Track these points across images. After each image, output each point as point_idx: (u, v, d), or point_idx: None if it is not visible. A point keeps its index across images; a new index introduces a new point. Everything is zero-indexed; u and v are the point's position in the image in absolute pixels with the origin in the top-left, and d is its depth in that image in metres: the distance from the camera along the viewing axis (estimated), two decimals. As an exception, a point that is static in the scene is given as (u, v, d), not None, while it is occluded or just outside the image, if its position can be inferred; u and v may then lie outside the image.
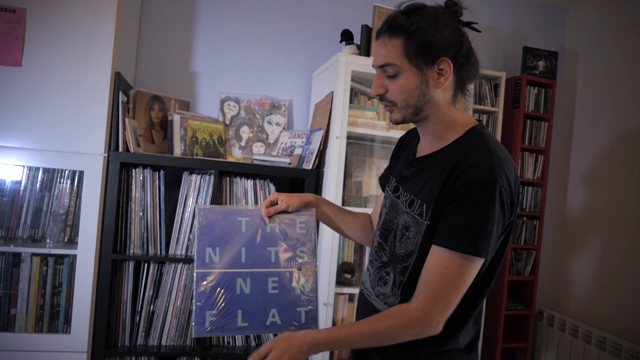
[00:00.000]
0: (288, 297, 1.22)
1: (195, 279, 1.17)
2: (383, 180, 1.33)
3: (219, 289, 1.18)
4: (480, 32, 1.08)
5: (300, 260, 1.25)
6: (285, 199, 1.28)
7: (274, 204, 1.29)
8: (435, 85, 1.02)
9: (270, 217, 1.25)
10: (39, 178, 2.03)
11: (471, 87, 1.12)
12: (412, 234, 1.07)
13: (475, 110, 2.74)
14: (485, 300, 1.15)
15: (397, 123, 1.10)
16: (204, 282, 1.17)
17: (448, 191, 0.99)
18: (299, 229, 1.27)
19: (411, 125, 1.18)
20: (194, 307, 1.16)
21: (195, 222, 1.16)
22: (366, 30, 2.35)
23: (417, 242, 1.06)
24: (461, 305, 1.01)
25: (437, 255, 0.99)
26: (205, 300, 1.17)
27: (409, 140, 1.26)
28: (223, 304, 1.18)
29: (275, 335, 1.09)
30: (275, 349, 0.99)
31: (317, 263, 1.28)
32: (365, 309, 1.20)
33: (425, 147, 1.15)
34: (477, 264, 0.98)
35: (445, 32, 1.00)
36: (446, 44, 1.00)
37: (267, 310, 1.20)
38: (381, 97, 1.08)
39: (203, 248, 1.20)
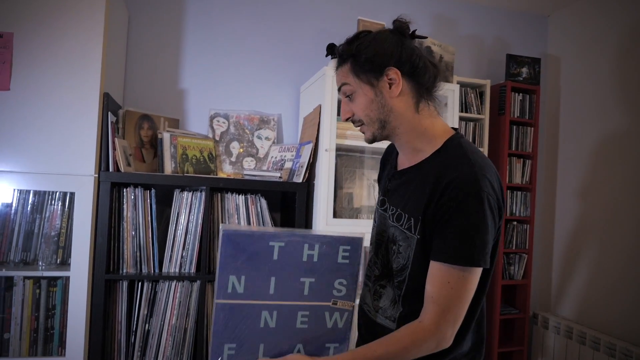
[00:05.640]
0: (317, 333, 1.09)
1: (214, 309, 1.05)
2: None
3: (241, 321, 1.06)
4: (426, 37, 1.15)
5: (337, 294, 1.10)
6: None
7: None
8: (390, 95, 1.08)
9: (308, 235, 1.11)
10: (30, 201, 2.03)
11: (439, 94, 1.15)
12: (403, 248, 1.10)
13: (461, 118, 2.78)
14: (485, 312, 1.17)
15: (370, 142, 1.15)
16: (225, 314, 1.04)
17: (436, 206, 1.01)
18: (341, 257, 1.09)
19: None
20: (212, 338, 1.05)
21: (219, 246, 1.02)
22: (351, 44, 2.38)
23: (409, 256, 1.08)
24: None
25: (438, 271, 1.01)
26: (225, 333, 1.05)
27: (390, 153, 1.30)
28: (244, 338, 1.06)
29: None
30: None
31: (356, 298, 1.13)
32: (366, 324, 1.21)
33: (404, 161, 1.18)
34: (477, 273, 1.01)
35: (385, 46, 1.08)
36: (387, 55, 1.07)
37: (292, 346, 1.09)
38: (353, 121, 1.15)
39: (226, 276, 1.03)
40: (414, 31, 1.12)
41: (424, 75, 1.08)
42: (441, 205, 1.00)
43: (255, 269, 1.05)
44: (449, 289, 0.99)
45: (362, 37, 1.11)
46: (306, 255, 1.07)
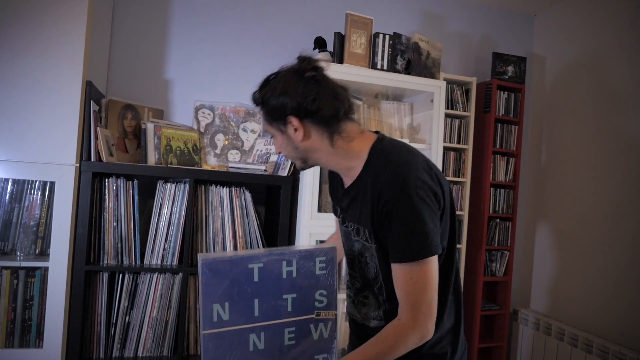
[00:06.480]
0: (305, 347, 1.11)
1: (202, 341, 1.03)
2: (333, 208, 1.44)
3: (229, 348, 1.04)
4: (320, 69, 1.15)
5: (319, 305, 1.12)
6: None
7: None
8: (297, 139, 1.15)
9: (285, 252, 1.14)
10: (8, 189, 1.99)
11: (355, 114, 1.23)
12: (369, 259, 1.18)
13: (447, 115, 2.79)
14: (460, 284, 1.25)
15: (301, 170, 1.29)
16: (213, 344, 1.03)
17: (378, 215, 1.09)
18: (319, 269, 1.12)
19: None
20: None
21: (199, 276, 1.02)
22: (339, 38, 2.37)
23: (376, 264, 1.17)
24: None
25: (399, 271, 1.08)
26: None
27: (336, 173, 1.33)
28: None
29: None
30: None
31: (338, 306, 1.16)
32: (359, 330, 1.28)
33: (346, 179, 1.24)
34: (434, 261, 1.07)
35: (283, 94, 1.12)
36: (285, 104, 1.12)
37: None
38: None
39: (210, 306, 1.02)
40: (311, 69, 1.14)
41: (322, 113, 1.12)
42: (380, 212, 1.08)
43: (238, 294, 1.05)
44: (414, 284, 1.06)
45: (268, 84, 1.15)
46: (285, 272, 1.09)
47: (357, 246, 1.21)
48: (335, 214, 1.40)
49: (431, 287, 1.07)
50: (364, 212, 1.13)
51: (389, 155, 1.13)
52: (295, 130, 1.13)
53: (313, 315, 1.12)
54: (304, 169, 1.25)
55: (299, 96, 1.10)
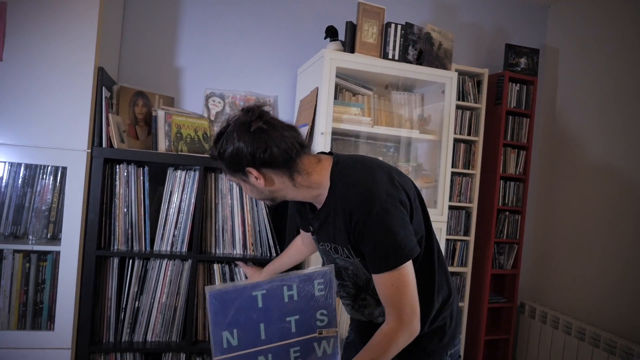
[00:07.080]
0: None
1: None
2: (301, 225, 1.51)
3: None
4: (262, 124, 1.15)
5: (320, 324, 1.20)
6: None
7: None
8: (259, 185, 1.20)
9: (285, 278, 1.23)
10: (21, 174, 2.01)
11: (308, 145, 1.25)
12: (355, 270, 1.26)
13: (458, 107, 2.78)
14: (443, 259, 1.34)
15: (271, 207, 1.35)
16: None
17: (353, 234, 1.16)
18: (318, 290, 1.21)
19: None
20: None
21: (207, 307, 1.10)
22: (351, 27, 2.36)
23: (364, 272, 1.24)
24: (421, 283, 1.18)
25: (380, 280, 1.16)
26: None
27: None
28: None
29: None
30: None
31: (338, 322, 1.23)
32: (364, 326, 1.37)
33: (316, 204, 1.29)
34: (410, 264, 1.14)
35: (236, 148, 1.16)
36: (240, 158, 1.16)
37: None
38: None
39: (219, 334, 1.10)
40: (257, 119, 1.16)
41: (276, 160, 1.16)
42: (353, 231, 1.15)
43: (244, 320, 1.12)
44: (395, 289, 1.13)
45: (220, 139, 1.19)
46: (287, 296, 1.16)
47: (340, 262, 1.27)
48: (305, 231, 1.49)
49: (410, 289, 1.14)
50: (339, 232, 1.19)
51: (349, 178, 1.18)
52: (257, 178, 1.19)
53: (316, 334, 1.19)
54: (274, 205, 1.32)
55: (250, 148, 1.14)
